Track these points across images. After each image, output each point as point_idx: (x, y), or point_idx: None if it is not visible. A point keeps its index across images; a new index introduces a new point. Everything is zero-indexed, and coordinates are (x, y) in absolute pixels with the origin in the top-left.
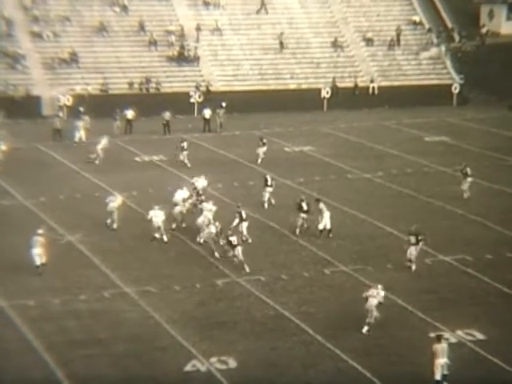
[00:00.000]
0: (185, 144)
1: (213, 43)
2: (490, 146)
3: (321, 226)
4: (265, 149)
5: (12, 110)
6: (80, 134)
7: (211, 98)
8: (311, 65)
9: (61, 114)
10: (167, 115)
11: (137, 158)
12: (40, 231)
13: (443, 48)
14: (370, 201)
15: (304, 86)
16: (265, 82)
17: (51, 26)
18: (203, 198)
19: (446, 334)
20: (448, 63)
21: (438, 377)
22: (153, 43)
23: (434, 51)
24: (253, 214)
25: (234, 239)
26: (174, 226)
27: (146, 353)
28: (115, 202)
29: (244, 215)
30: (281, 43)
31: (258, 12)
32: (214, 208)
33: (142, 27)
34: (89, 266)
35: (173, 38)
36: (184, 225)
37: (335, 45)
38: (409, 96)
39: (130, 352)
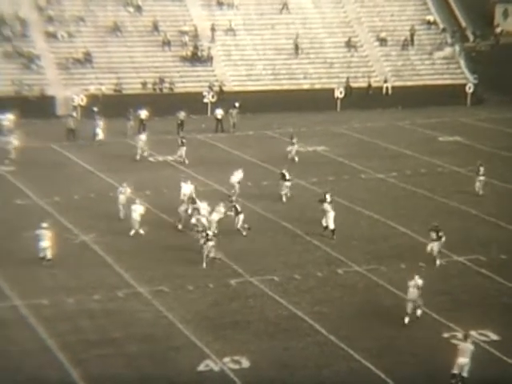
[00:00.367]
0: (184, 140)
1: (226, 43)
2: (504, 145)
3: (325, 223)
4: (296, 147)
5: (26, 109)
6: (100, 134)
7: (224, 97)
8: (325, 65)
9: (75, 114)
10: (182, 115)
11: (151, 158)
12: (45, 224)
13: (457, 48)
14: (383, 201)
15: (317, 86)
16: (278, 82)
17: (66, 26)
18: (197, 201)
19: (460, 335)
20: (462, 63)
21: (454, 370)
22: (166, 43)
23: (448, 51)
24: (266, 214)
25: (209, 232)
26: (180, 226)
27: (160, 353)
28: (125, 193)
29: (239, 208)
30: (296, 46)
31: (281, 11)
32: (209, 208)
33: (155, 27)
34: (103, 266)
35: (186, 38)
36: (180, 226)
37: (349, 45)
38: (422, 96)
39: (144, 352)
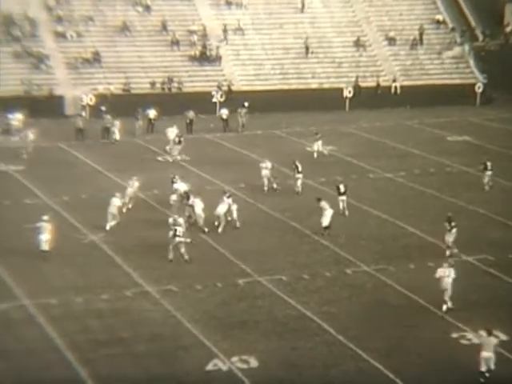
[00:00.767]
0: (182, 139)
1: (235, 43)
2: None
3: (325, 223)
4: (320, 143)
5: (35, 109)
6: (117, 134)
7: (233, 97)
8: (333, 64)
9: (84, 114)
10: (191, 114)
11: (159, 158)
12: (45, 217)
13: (466, 47)
14: (392, 201)
15: (326, 86)
16: (286, 81)
17: (74, 25)
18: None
19: (469, 335)
20: (471, 62)
21: (482, 368)
22: (175, 43)
23: (457, 50)
24: (274, 213)
25: (178, 229)
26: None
27: (168, 352)
28: (133, 186)
29: (231, 202)
30: (306, 48)
31: (302, 10)
32: (202, 205)
33: (164, 27)
34: (111, 265)
35: (195, 38)
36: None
37: (357, 44)
38: (431, 95)
39: (152, 351)
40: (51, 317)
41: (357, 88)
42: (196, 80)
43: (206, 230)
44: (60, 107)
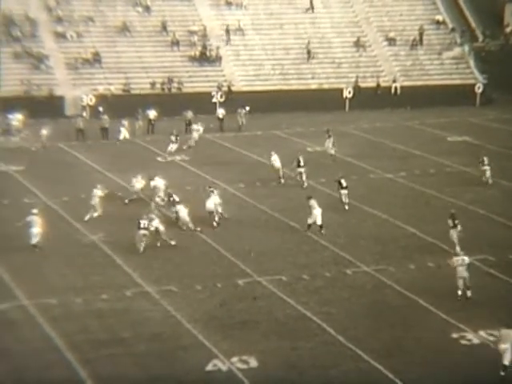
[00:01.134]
0: (178, 138)
1: (235, 43)
2: None
3: (310, 221)
4: (332, 140)
5: (35, 109)
6: (124, 133)
7: (233, 97)
8: (333, 65)
9: (84, 114)
10: (189, 114)
11: (159, 158)
12: (35, 211)
13: (466, 47)
14: (392, 201)
15: (326, 86)
16: (286, 82)
17: (75, 26)
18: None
19: (469, 335)
20: (471, 63)
21: (505, 361)
22: (175, 43)
23: (457, 51)
24: (274, 214)
25: (142, 222)
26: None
27: (168, 352)
28: (140, 182)
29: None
30: (308, 52)
31: (307, 11)
32: (187, 210)
33: (164, 27)
34: (111, 266)
35: (195, 38)
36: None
37: (357, 44)
38: (431, 96)
39: (152, 351)
40: (51, 317)
41: (357, 88)
42: (196, 80)
43: (198, 229)
44: (60, 108)
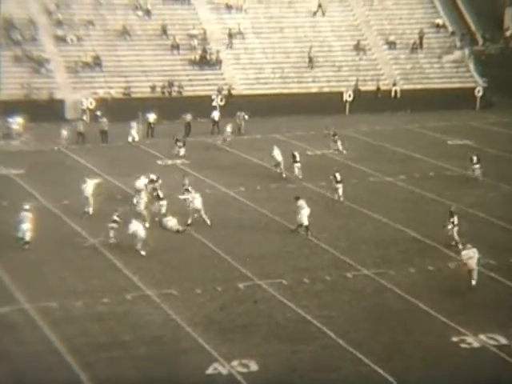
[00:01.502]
0: (185, 141)
1: (235, 47)
2: None
3: (302, 221)
4: (339, 142)
5: (35, 113)
6: (134, 135)
7: (233, 101)
8: (333, 68)
9: (85, 118)
10: (188, 117)
11: (159, 162)
12: (27, 207)
13: (466, 51)
14: (392, 204)
15: (326, 90)
16: (287, 85)
17: (75, 29)
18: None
19: (469, 339)
20: (471, 66)
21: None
22: (175, 47)
23: (457, 54)
24: (274, 217)
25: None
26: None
27: (168, 355)
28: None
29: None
30: (310, 58)
31: (315, 14)
32: (175, 220)
33: (164, 31)
34: (111, 269)
35: (195, 42)
36: (147, 225)
37: (358, 48)
38: (431, 99)
39: (152, 355)
40: (51, 320)
41: (357, 92)
42: (196, 84)
43: (188, 226)
44: (60, 111)
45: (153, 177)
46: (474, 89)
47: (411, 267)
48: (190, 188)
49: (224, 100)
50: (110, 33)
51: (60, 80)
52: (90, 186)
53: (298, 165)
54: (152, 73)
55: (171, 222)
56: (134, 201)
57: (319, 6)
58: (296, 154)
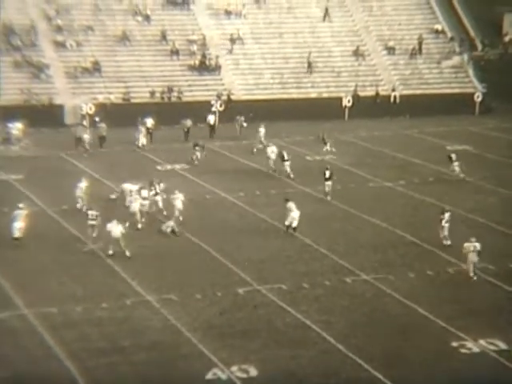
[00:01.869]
0: (204, 147)
1: (234, 52)
2: None
3: (287, 222)
4: (328, 146)
5: (35, 118)
6: (142, 139)
7: (232, 106)
8: (333, 73)
9: (85, 123)
10: (188, 122)
11: (158, 167)
12: (21, 205)
13: (465, 56)
14: (391, 209)
15: (325, 95)
16: (286, 90)
17: (74, 35)
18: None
19: (469, 344)
20: (470, 72)
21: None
22: (175, 52)
23: (456, 60)
24: (273, 222)
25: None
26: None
27: (168, 361)
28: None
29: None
30: (309, 64)
31: (323, 20)
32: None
33: (164, 36)
34: (111, 274)
35: (195, 47)
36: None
37: (357, 53)
38: (431, 105)
39: (152, 360)
40: (51, 325)
41: (356, 97)
42: (196, 89)
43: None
44: (60, 116)
45: (155, 183)
46: (473, 94)
47: (410, 272)
48: (158, 190)
49: (223, 105)
50: (110, 38)
51: (59, 85)
52: (82, 185)
53: (288, 163)
54: (151, 78)
55: (167, 224)
56: (127, 202)
57: (326, 10)
58: (285, 153)
